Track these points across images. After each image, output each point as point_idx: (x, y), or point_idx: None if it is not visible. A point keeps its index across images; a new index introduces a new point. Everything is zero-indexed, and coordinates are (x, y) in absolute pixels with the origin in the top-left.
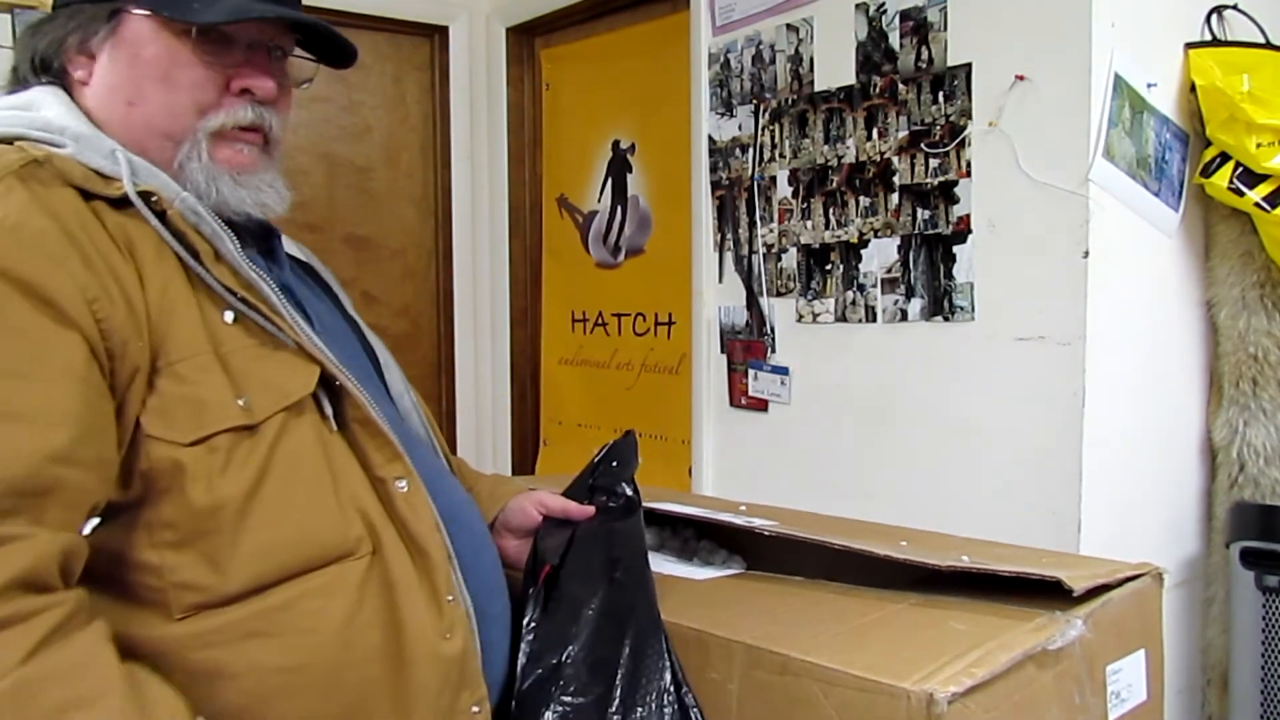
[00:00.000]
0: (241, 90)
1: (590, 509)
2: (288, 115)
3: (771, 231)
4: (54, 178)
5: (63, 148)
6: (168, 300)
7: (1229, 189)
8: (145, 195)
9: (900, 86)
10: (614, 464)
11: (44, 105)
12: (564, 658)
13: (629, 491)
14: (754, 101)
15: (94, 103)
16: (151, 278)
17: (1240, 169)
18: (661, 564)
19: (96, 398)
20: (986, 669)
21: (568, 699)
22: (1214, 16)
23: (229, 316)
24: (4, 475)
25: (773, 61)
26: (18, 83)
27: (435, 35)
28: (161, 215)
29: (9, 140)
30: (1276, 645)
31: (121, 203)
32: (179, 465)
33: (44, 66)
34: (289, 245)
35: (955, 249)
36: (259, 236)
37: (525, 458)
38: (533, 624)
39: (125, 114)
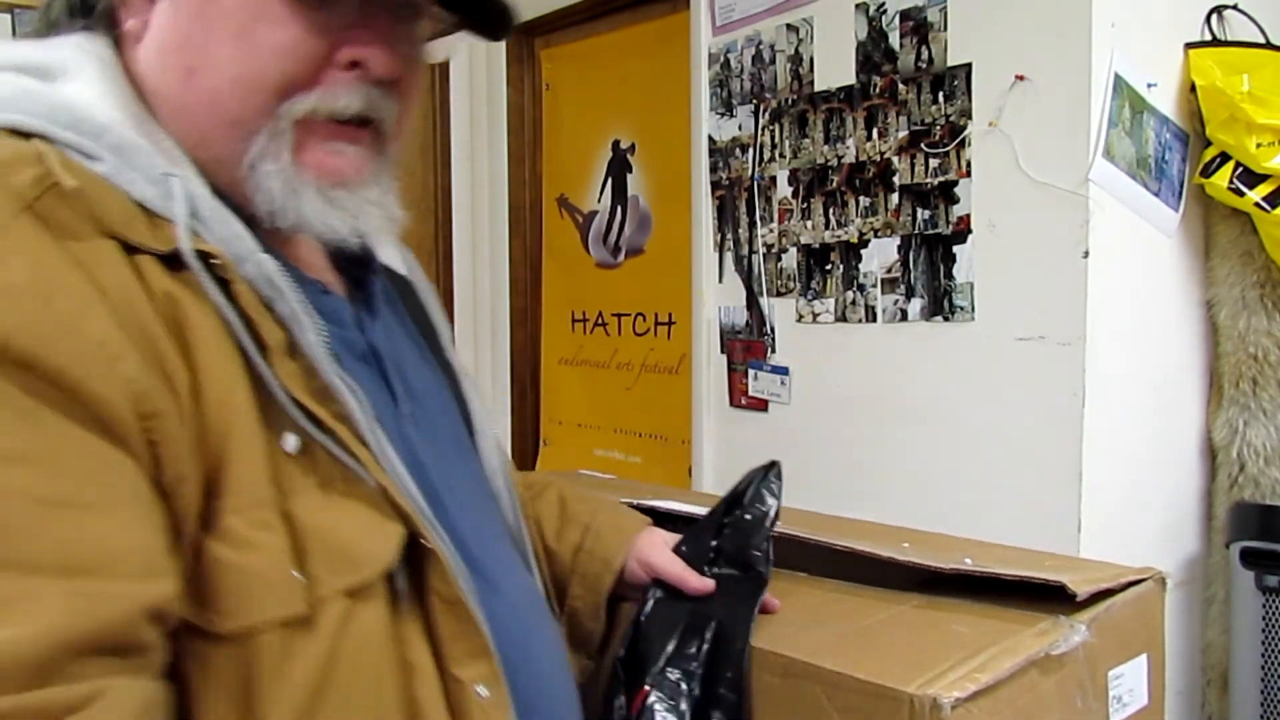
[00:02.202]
0: (351, 64)
1: (709, 584)
2: (412, 105)
3: (771, 231)
4: (85, 218)
5: (97, 162)
6: (225, 417)
7: (1229, 189)
8: (205, 256)
9: (900, 86)
10: (753, 506)
11: (76, 74)
12: None
13: (763, 556)
14: (754, 101)
15: (146, 67)
16: (209, 383)
17: (1240, 169)
18: None
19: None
20: (990, 674)
21: None
22: (1214, 16)
23: (291, 443)
24: (89, 629)
25: (773, 61)
26: (48, 27)
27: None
28: (225, 285)
29: (21, 133)
30: (1276, 645)
31: (171, 258)
32: (205, 660)
33: (84, 4)
34: (387, 252)
35: (955, 249)
36: (347, 261)
37: (525, 458)
38: None
39: (183, 85)
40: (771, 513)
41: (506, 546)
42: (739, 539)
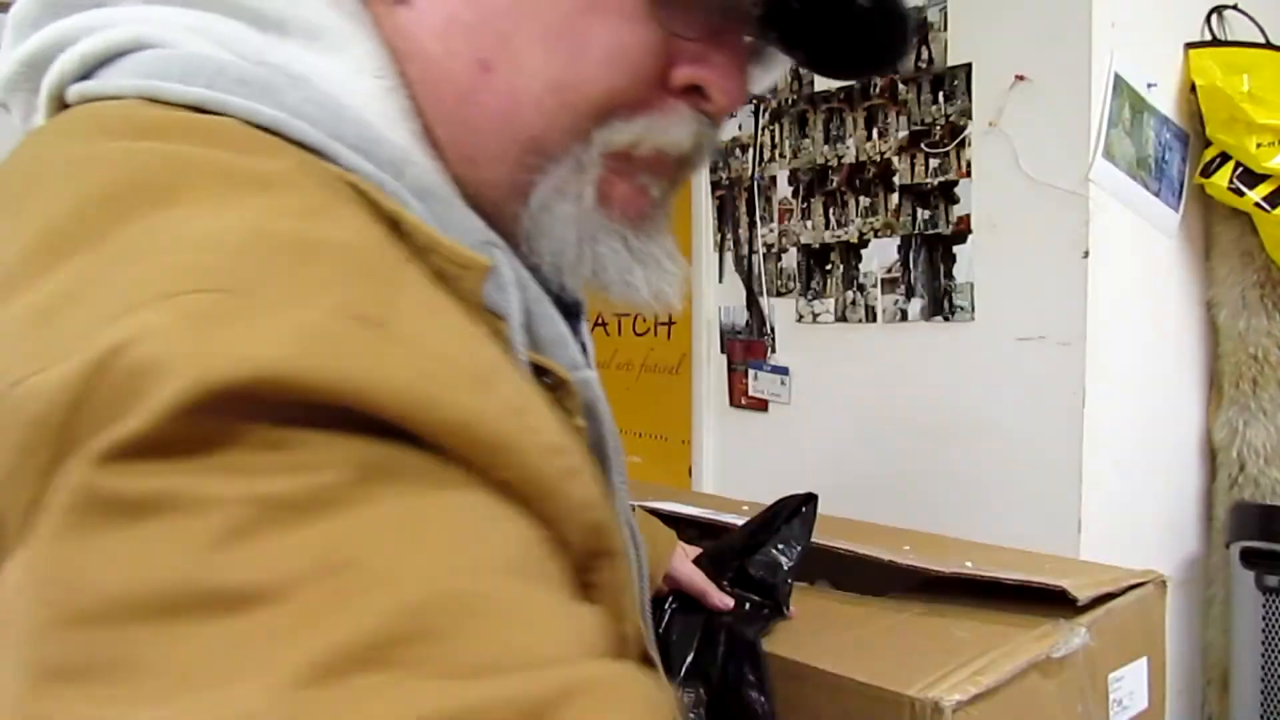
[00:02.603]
0: (688, 88)
1: (729, 601)
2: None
3: (771, 231)
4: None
5: (404, 205)
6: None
7: (1229, 189)
8: (538, 371)
9: (900, 86)
10: (786, 542)
11: (335, 45)
12: None
13: (788, 591)
14: (754, 101)
15: (414, 44)
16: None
17: (1240, 169)
18: None
19: None
20: (991, 677)
21: None
22: (1214, 16)
23: None
24: None
25: None
26: None
27: None
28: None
29: (277, 134)
30: (1276, 645)
31: None
32: None
33: None
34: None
35: (955, 249)
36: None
37: None
38: None
39: (471, 83)
40: (801, 549)
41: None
42: (766, 569)
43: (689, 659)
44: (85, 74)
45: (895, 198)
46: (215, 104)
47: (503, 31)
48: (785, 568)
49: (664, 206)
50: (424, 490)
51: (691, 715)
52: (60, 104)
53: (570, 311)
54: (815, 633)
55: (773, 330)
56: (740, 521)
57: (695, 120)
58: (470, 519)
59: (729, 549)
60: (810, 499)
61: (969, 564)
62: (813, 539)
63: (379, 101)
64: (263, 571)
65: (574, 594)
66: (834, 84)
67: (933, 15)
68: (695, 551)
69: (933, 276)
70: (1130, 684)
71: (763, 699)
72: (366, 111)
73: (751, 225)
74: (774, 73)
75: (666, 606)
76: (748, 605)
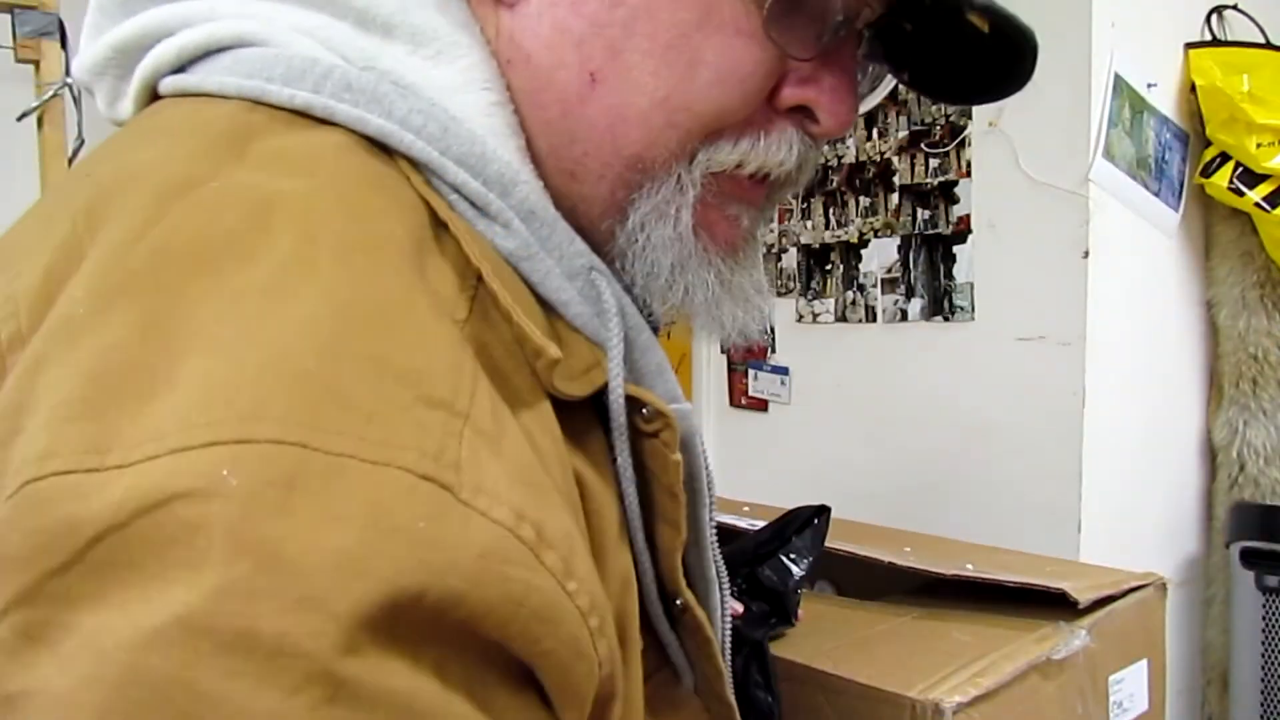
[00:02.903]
0: (795, 107)
1: (738, 607)
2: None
3: (771, 231)
4: (510, 345)
5: (499, 231)
6: (623, 609)
7: (1229, 189)
8: (635, 404)
9: (900, 86)
10: (799, 554)
11: (448, 55)
12: None
13: (796, 603)
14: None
15: (517, 53)
16: (610, 568)
17: (1240, 169)
18: None
19: None
20: (991, 679)
21: None
22: (1214, 16)
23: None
24: None
25: None
26: None
27: None
28: (640, 438)
29: (382, 147)
30: (1276, 645)
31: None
32: None
33: None
34: None
35: (955, 249)
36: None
37: None
38: None
39: (578, 96)
40: (812, 560)
41: None
42: (776, 577)
43: None
44: (181, 66)
45: (895, 198)
46: (321, 109)
47: (613, 43)
48: (796, 577)
49: (755, 237)
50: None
51: None
52: (153, 94)
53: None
54: (816, 635)
55: (773, 330)
56: (741, 522)
57: (800, 141)
58: None
59: (739, 555)
60: (823, 510)
61: (969, 566)
62: None
63: (488, 116)
64: None
65: None
66: None
67: None
68: None
69: (933, 276)
70: (1130, 686)
71: (769, 699)
72: (476, 126)
73: None
74: (881, 92)
75: None
76: (754, 610)
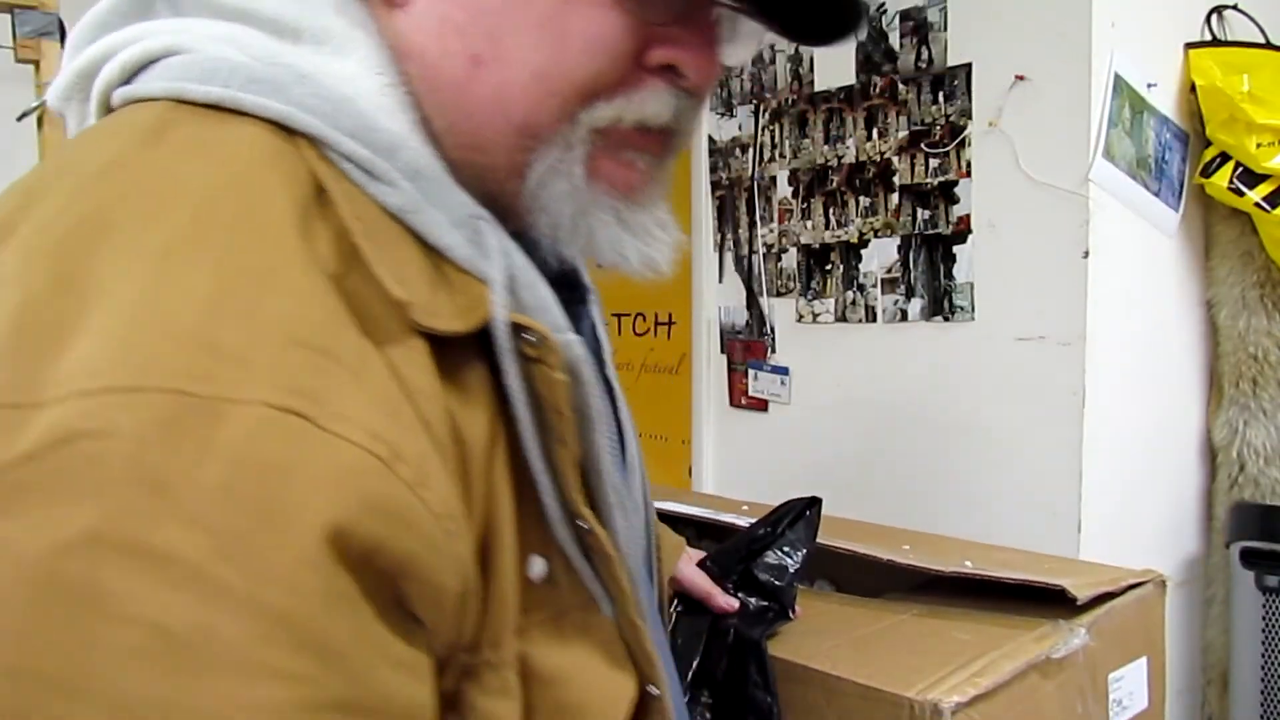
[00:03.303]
0: (663, 66)
1: (734, 603)
2: (701, 114)
3: (771, 231)
4: (382, 299)
5: (387, 189)
6: (493, 533)
7: (1229, 189)
8: (520, 331)
9: (900, 86)
10: (792, 546)
11: (345, 49)
12: None
13: (794, 595)
14: (754, 101)
15: (411, 45)
16: (478, 496)
17: (1240, 169)
18: None
19: None
20: (990, 678)
21: None
22: (1214, 16)
23: (538, 569)
24: None
25: (773, 61)
26: None
27: None
28: (528, 363)
29: (282, 127)
30: (1276, 645)
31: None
32: None
33: None
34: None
35: (955, 249)
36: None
37: None
38: None
39: (467, 77)
40: (806, 553)
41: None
42: (771, 572)
43: (696, 661)
44: (126, 79)
45: (895, 198)
46: (231, 101)
47: (491, 29)
48: (791, 571)
49: (656, 178)
50: None
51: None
52: (108, 108)
53: (578, 294)
54: (815, 634)
55: (773, 330)
56: (740, 521)
57: (673, 95)
58: None
59: (733, 552)
60: (814, 502)
61: (968, 563)
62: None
63: (379, 96)
64: None
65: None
66: (834, 84)
67: (933, 15)
68: (699, 555)
69: (933, 276)
70: (1130, 684)
71: (769, 699)
72: (365, 104)
73: (751, 225)
74: (749, 44)
75: (672, 610)
76: (751, 606)
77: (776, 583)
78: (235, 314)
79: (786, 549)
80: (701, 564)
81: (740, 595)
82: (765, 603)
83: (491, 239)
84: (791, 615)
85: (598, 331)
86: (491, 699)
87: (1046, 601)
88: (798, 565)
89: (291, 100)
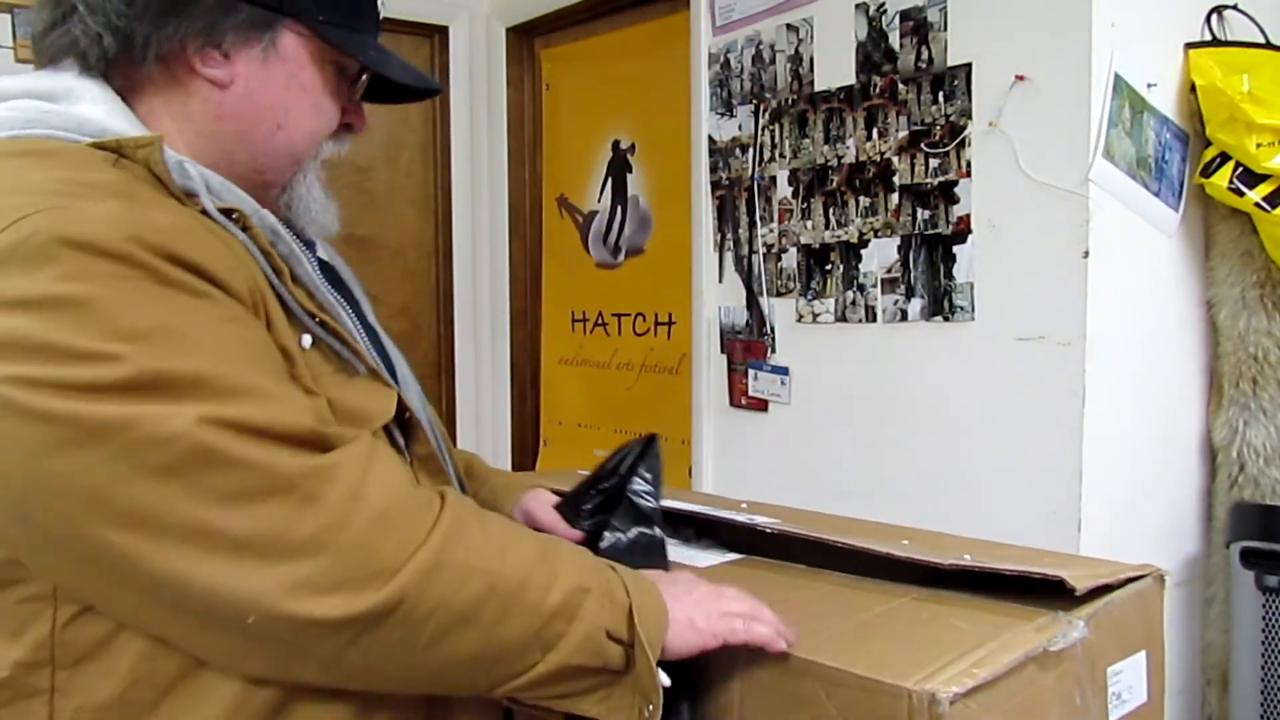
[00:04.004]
0: (345, 125)
1: (577, 534)
2: None
3: (771, 231)
4: (158, 186)
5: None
6: (273, 320)
7: (1229, 189)
8: (227, 212)
9: (900, 86)
10: (630, 473)
11: (83, 97)
12: None
13: (644, 518)
14: (754, 101)
15: (225, 111)
16: (262, 293)
17: (1240, 169)
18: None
19: None
20: (988, 669)
21: None
22: (1214, 16)
23: (306, 342)
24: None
25: (773, 61)
26: (48, 60)
27: (435, 35)
28: (244, 231)
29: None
30: (1276, 645)
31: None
32: None
33: (127, 47)
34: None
35: (955, 249)
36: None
37: (525, 458)
38: None
39: (269, 133)
40: (652, 481)
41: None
42: (646, 497)
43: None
44: None
45: (895, 198)
46: (26, 133)
47: (287, 109)
48: (656, 490)
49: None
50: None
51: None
52: None
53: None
54: (813, 622)
55: (773, 330)
56: (739, 518)
57: (347, 138)
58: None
59: (580, 494)
60: (651, 438)
61: (967, 557)
62: (812, 536)
63: (112, 116)
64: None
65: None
66: (834, 84)
67: (933, 15)
68: (554, 499)
69: (933, 276)
70: (1129, 678)
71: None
72: (107, 121)
73: (751, 225)
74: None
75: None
76: (627, 536)
77: (652, 507)
78: (66, 183)
79: (646, 478)
80: (556, 505)
81: (616, 532)
82: (645, 528)
83: (192, 170)
84: (661, 537)
85: (334, 264)
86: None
87: (1045, 594)
88: (659, 494)
89: (51, 126)
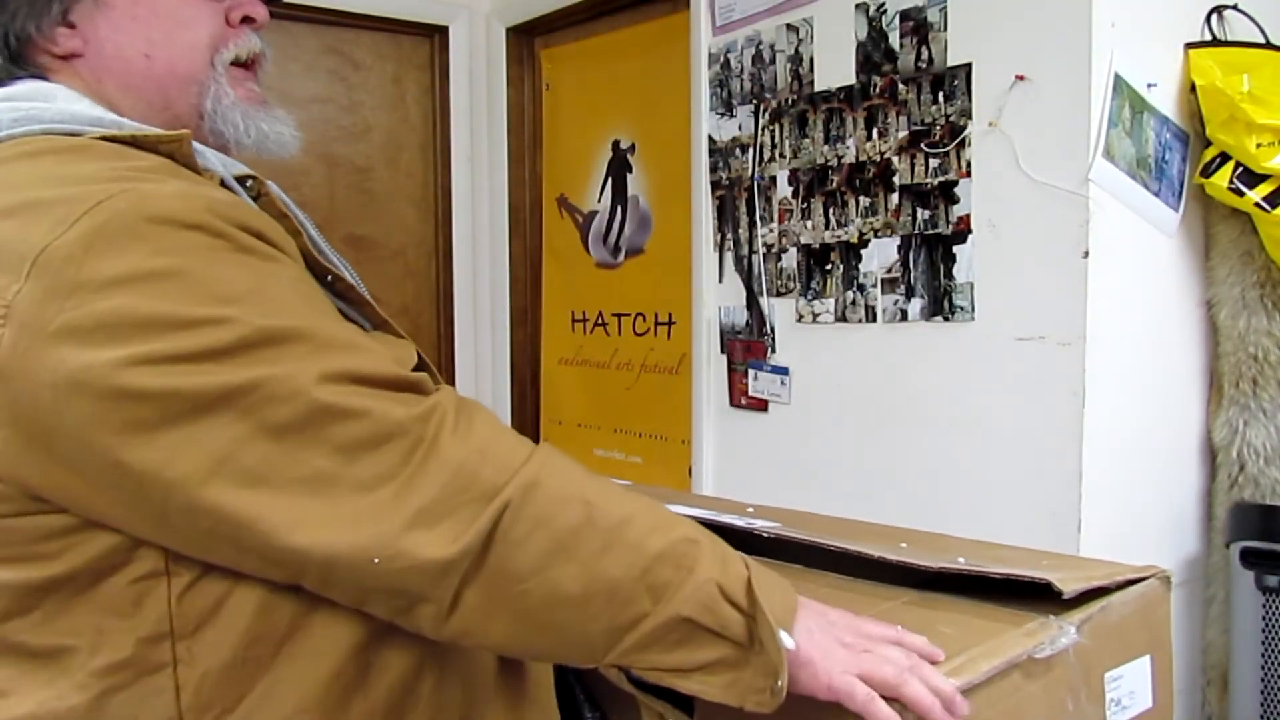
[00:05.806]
0: (242, 19)
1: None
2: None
3: (771, 231)
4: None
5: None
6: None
7: (1229, 189)
8: (242, 180)
9: (900, 86)
10: None
11: (57, 96)
12: None
13: None
14: (754, 101)
15: (97, 73)
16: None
17: (1240, 169)
18: None
19: None
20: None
21: None
22: (1214, 16)
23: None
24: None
25: (773, 61)
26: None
27: (435, 35)
28: (257, 199)
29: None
30: (1276, 645)
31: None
32: None
33: (18, 53)
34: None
35: (955, 249)
36: None
37: None
38: None
39: (145, 68)
40: None
41: None
42: None
43: None
44: None
45: (895, 198)
46: (27, 129)
47: (146, 33)
48: None
49: (263, 92)
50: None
51: None
52: None
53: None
54: None
55: (773, 330)
56: (738, 522)
57: (253, 34)
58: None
59: None
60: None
61: (961, 560)
62: (810, 538)
63: (94, 109)
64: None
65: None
66: (834, 84)
67: (933, 15)
68: None
69: (933, 276)
70: (1131, 683)
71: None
72: (94, 111)
73: (751, 225)
74: None
75: None
76: None
77: None
78: (99, 178)
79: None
80: None
81: None
82: None
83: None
84: None
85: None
86: None
87: (1041, 597)
88: None
89: (43, 119)
